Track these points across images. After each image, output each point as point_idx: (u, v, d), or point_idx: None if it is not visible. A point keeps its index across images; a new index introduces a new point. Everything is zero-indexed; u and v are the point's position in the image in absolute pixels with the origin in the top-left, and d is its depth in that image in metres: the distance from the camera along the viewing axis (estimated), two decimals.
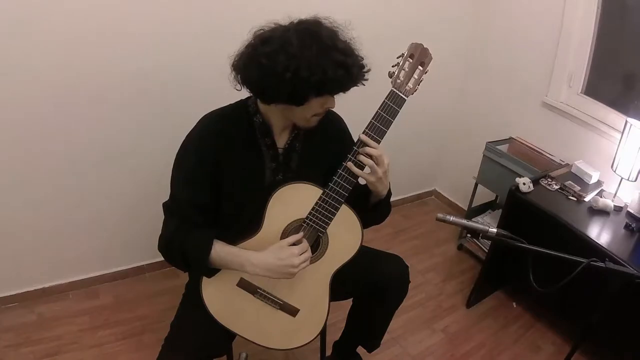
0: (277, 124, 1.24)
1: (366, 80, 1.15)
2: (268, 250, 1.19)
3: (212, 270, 1.23)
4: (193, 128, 1.23)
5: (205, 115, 1.25)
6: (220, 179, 1.21)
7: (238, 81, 1.15)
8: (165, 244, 1.21)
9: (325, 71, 1.05)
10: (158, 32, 1.79)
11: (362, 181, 1.23)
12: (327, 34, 1.09)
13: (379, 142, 1.18)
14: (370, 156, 1.18)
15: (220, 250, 1.19)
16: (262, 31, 1.13)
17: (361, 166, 1.19)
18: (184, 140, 1.22)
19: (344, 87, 1.13)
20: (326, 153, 1.31)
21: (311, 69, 1.05)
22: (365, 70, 1.14)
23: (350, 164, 1.17)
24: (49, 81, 1.68)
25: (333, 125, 1.34)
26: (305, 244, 1.21)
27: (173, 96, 1.93)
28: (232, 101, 1.26)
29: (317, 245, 1.26)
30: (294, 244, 1.20)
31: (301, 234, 1.22)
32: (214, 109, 1.26)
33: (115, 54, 1.75)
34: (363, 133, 1.18)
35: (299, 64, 1.04)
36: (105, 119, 1.85)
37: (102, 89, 1.79)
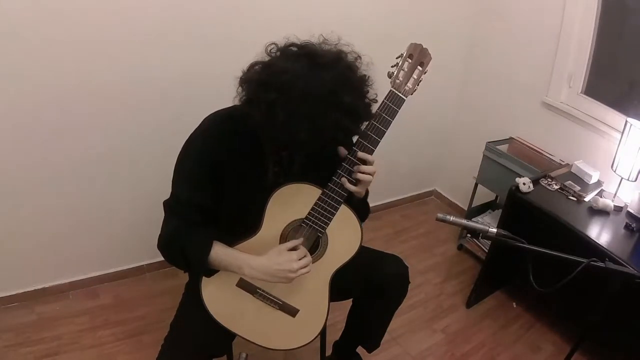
0: None
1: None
2: (267, 255, 1.19)
3: (211, 270, 1.22)
4: (196, 128, 1.23)
5: (209, 115, 1.24)
6: (221, 179, 1.20)
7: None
8: (165, 243, 1.21)
9: (326, 135, 1.05)
10: (160, 35, 1.79)
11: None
12: (339, 84, 1.04)
13: (377, 142, 1.18)
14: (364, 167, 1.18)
15: (220, 251, 1.19)
16: (272, 60, 1.10)
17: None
18: (186, 140, 1.22)
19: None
20: (328, 154, 1.30)
21: (312, 133, 1.03)
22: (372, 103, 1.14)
23: (343, 180, 1.18)
24: (53, 85, 1.68)
25: None
26: (303, 250, 1.21)
27: (175, 97, 1.93)
28: (236, 102, 1.26)
29: (317, 245, 1.26)
30: (293, 249, 1.20)
31: (301, 239, 1.22)
32: (217, 109, 1.25)
33: (117, 57, 1.75)
34: (361, 135, 1.17)
35: (297, 129, 1.02)
36: (105, 120, 1.85)
37: (104, 92, 1.79)
